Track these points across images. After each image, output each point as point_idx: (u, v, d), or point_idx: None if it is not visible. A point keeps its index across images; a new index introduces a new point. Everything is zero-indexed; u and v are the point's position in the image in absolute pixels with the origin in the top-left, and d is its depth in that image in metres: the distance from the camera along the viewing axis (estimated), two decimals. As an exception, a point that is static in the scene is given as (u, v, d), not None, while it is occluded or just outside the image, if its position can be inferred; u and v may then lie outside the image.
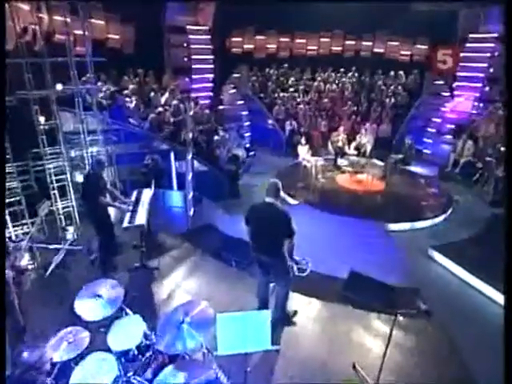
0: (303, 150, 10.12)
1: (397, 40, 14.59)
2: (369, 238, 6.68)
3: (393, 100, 12.95)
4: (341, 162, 10.16)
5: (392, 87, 13.55)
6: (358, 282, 5.23)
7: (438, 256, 6.26)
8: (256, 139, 12.27)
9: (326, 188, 9.11)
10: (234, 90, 12.46)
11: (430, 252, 6.36)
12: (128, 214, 5.21)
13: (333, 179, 9.64)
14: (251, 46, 14.70)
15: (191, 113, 10.00)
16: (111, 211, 5.57)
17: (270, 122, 12.44)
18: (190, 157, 7.23)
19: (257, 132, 12.48)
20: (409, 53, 14.55)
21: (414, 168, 10.67)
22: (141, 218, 5.12)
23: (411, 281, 5.42)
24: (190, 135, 7.37)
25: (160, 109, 9.07)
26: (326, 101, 13.40)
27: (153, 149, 8.02)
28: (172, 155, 7.96)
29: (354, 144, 10.96)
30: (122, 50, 11.11)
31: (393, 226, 7.28)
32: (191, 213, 7.23)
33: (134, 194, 5.83)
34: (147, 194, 5.75)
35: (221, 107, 12.15)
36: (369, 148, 10.93)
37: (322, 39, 15.47)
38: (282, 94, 13.40)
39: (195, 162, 8.01)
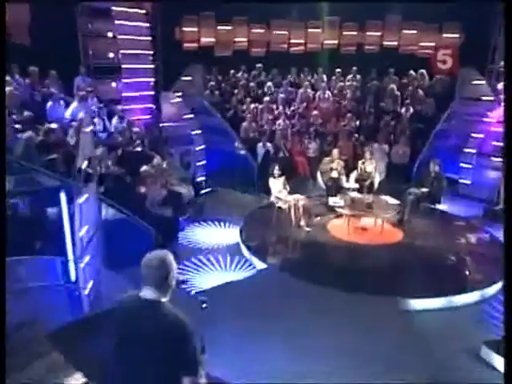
0: (276, 185, 9.28)
1: (415, 27, 14.52)
2: (378, 323, 6.00)
3: (411, 110, 12.77)
4: (335, 200, 9.34)
5: (410, 92, 13.42)
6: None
7: (496, 359, 5.28)
8: (214, 170, 11.73)
9: (313, 241, 8.54)
10: (178, 100, 11.59)
11: (484, 352, 5.46)
12: None
13: (323, 228, 9.05)
14: (211, 40, 14.65)
15: (112, 129, 9.71)
16: None
17: (236, 144, 11.83)
18: (82, 199, 6.07)
19: (215, 159, 11.82)
20: (432, 44, 14.60)
21: (445, 207, 10.13)
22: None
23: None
24: (85, 164, 6.28)
25: (53, 125, 8.06)
26: (316, 113, 13.02)
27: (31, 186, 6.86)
28: (63, 197, 6.71)
29: (354, 174, 10.28)
30: (13, 38, 10.39)
31: (416, 304, 6.57)
32: (87, 291, 6.10)
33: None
34: None
35: (165, 124, 11.52)
36: (377, 179, 10.26)
37: (311, 30, 15.28)
38: (253, 105, 13.13)
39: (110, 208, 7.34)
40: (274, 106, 13.34)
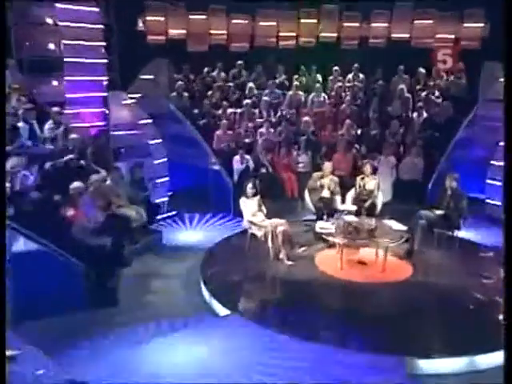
0: (249, 206, 8.86)
1: (430, 17, 14.49)
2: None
3: (425, 114, 12.59)
4: (323, 226, 8.81)
5: (424, 94, 13.32)
6: None
7: None
8: (179, 188, 11.64)
9: (295, 280, 7.99)
10: (132, 101, 11.36)
11: None
12: None
13: (309, 261, 8.53)
14: (181, 31, 14.52)
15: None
16: None
17: (209, 157, 11.75)
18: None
19: (180, 175, 11.82)
20: (451, 37, 14.55)
21: (466, 234, 9.61)
22: None
23: None
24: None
25: None
26: (308, 120, 12.78)
27: None
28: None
29: (352, 193, 9.89)
30: None
31: (429, 365, 5.99)
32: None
33: None
34: None
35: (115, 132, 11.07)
36: (380, 199, 9.80)
37: (304, 20, 15.21)
38: (230, 111, 13.03)
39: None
40: (257, 111, 13.29)
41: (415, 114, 12.66)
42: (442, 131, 12.13)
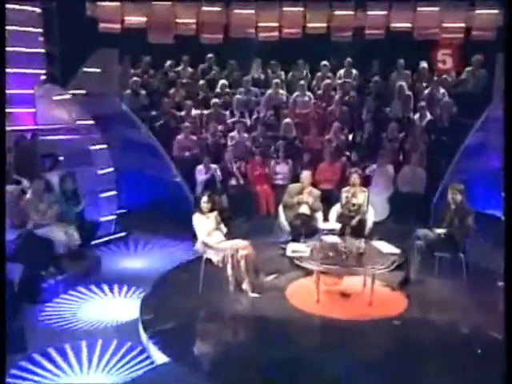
0: (205, 225, 8.31)
1: (435, 3, 14.16)
2: None
3: (428, 116, 12.41)
4: (295, 248, 8.23)
5: (427, 91, 13.25)
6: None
7: None
8: (128, 204, 11.30)
9: (259, 317, 7.43)
10: (68, 98, 10.97)
11: None
12: None
13: (279, 292, 7.97)
14: (141, 19, 14.03)
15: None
16: None
17: (174, 172, 11.32)
18: None
19: (133, 189, 11.57)
20: (462, 25, 14.07)
21: (475, 258, 9.04)
22: None
23: None
24: None
25: None
26: (289, 122, 12.69)
27: None
28: None
29: (336, 208, 9.68)
30: None
31: None
32: None
33: None
34: None
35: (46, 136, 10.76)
36: (370, 216, 9.53)
37: (287, 9, 14.70)
38: (195, 112, 12.94)
39: None
40: (228, 112, 13.31)
41: (417, 116, 12.50)
42: (449, 135, 11.94)
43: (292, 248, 8.16)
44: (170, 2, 14.15)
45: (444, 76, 13.79)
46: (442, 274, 8.47)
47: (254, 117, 13.10)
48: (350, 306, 7.50)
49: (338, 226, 9.16)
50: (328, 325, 7.09)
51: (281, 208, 9.71)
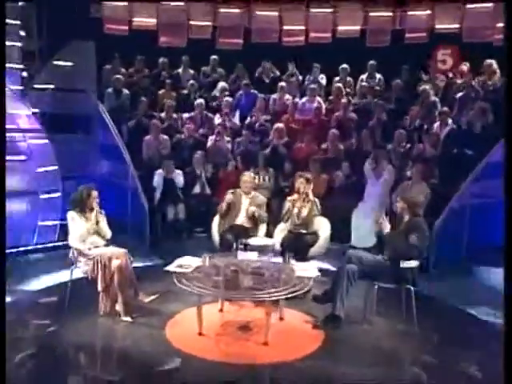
0: (79, 226, 7.01)
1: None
2: None
3: (450, 124, 11.11)
4: (183, 263, 6.81)
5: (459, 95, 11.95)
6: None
7: None
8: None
9: (124, 353, 5.96)
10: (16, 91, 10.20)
11: None
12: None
13: (159, 321, 6.56)
14: (151, 21, 13.65)
15: None
16: None
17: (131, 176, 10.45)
18: None
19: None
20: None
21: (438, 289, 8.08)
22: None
23: None
24: None
25: None
26: (281, 127, 11.52)
27: None
28: None
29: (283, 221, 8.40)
30: None
31: None
32: None
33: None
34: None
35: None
36: (323, 232, 8.12)
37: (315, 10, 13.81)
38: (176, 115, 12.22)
39: None
40: (218, 116, 12.29)
41: (436, 124, 11.04)
42: (473, 148, 10.32)
43: (178, 262, 6.54)
44: (182, 3, 13.50)
45: (486, 78, 12.06)
46: (380, 310, 6.70)
47: (248, 121, 12.02)
48: (243, 345, 5.77)
49: (272, 241, 7.57)
50: (202, 370, 5.26)
51: (216, 219, 8.21)
